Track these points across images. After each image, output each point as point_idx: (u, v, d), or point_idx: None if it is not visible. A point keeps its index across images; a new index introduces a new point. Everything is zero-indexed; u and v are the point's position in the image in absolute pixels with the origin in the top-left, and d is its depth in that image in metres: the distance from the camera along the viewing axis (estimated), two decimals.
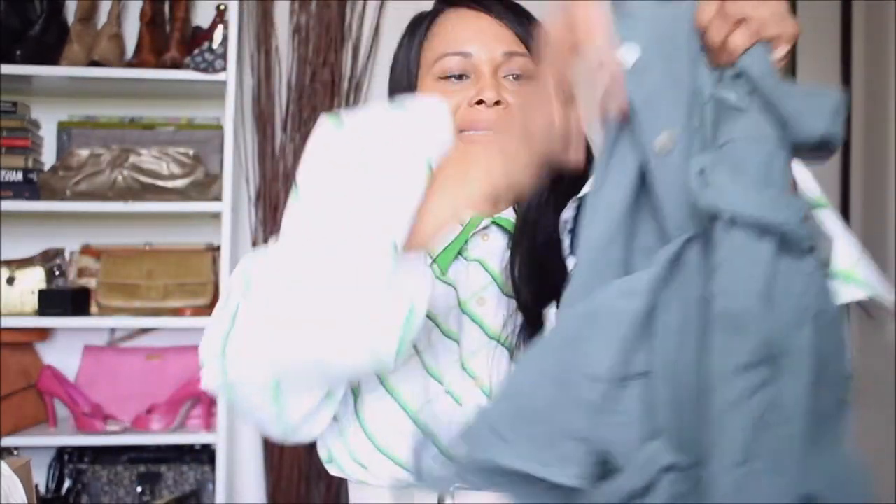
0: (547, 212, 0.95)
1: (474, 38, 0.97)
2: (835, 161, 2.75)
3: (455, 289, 0.98)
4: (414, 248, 0.76)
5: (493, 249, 0.99)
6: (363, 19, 2.54)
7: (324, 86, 2.47)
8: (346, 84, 2.51)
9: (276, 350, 0.75)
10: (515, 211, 1.00)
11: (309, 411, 0.83)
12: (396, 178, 0.75)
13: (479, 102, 0.95)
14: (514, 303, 0.97)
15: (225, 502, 2.26)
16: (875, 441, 2.62)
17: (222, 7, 2.33)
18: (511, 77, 0.98)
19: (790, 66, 2.73)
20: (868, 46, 2.74)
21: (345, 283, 0.73)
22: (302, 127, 2.47)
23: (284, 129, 2.48)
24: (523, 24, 0.99)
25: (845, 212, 2.73)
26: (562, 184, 0.87)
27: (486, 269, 0.99)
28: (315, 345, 0.74)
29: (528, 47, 0.97)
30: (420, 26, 1.03)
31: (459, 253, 0.99)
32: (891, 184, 2.61)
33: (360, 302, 0.73)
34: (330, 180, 0.77)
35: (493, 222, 1.00)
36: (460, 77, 0.98)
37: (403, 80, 1.02)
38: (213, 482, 2.29)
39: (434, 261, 0.98)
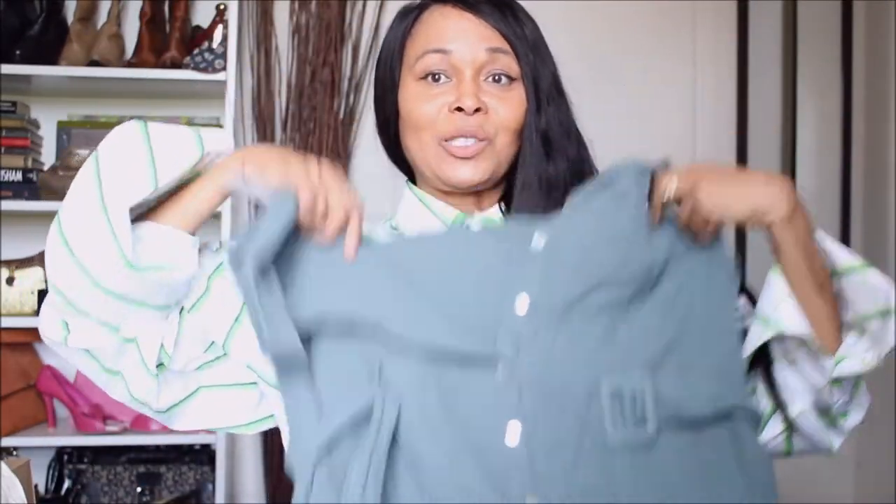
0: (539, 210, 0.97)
1: (456, 35, 0.96)
2: (835, 161, 2.74)
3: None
4: (176, 220, 0.85)
5: None
6: (363, 19, 2.54)
7: (324, 85, 2.47)
8: (345, 84, 2.51)
9: (54, 239, 0.83)
10: (501, 210, 1.01)
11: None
12: (172, 150, 0.85)
13: (459, 109, 0.95)
14: None
15: (225, 502, 2.26)
16: (875, 441, 2.61)
17: (222, 7, 2.33)
18: (492, 79, 0.97)
19: (791, 71, 2.73)
20: (868, 46, 2.73)
21: (106, 186, 0.82)
22: (302, 127, 2.47)
23: (284, 128, 2.48)
24: (509, 22, 0.97)
25: (846, 212, 2.73)
26: (553, 184, 0.96)
27: None
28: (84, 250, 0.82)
29: (513, 46, 0.97)
30: (404, 21, 1.02)
31: None
32: (891, 184, 2.61)
33: (115, 200, 0.82)
34: (139, 131, 0.85)
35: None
36: (439, 78, 0.97)
37: (387, 79, 1.02)
38: (213, 482, 2.28)
39: None
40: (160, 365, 0.90)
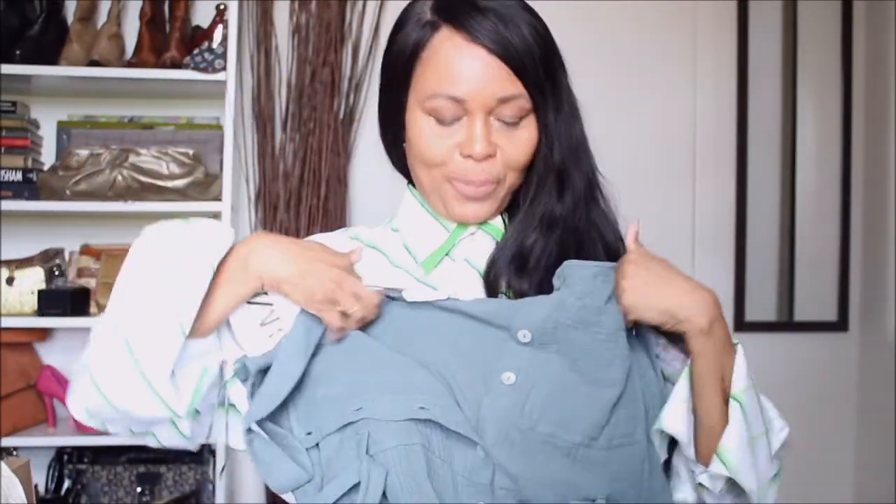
0: (536, 216, 0.98)
1: (468, 79, 0.93)
2: (835, 161, 2.75)
3: (437, 289, 0.99)
4: (200, 332, 0.90)
5: (481, 249, 1.00)
6: (363, 19, 2.54)
7: (323, 85, 2.47)
8: (345, 84, 2.51)
9: (90, 394, 0.92)
10: (503, 219, 1.01)
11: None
12: (189, 277, 0.89)
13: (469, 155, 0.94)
14: (502, 297, 0.98)
15: (225, 502, 2.26)
16: (875, 440, 2.61)
17: (222, 6, 2.33)
18: (505, 121, 0.95)
19: (791, 71, 2.73)
20: (868, 46, 2.73)
21: (142, 358, 0.87)
22: (302, 127, 2.47)
23: (284, 128, 2.48)
24: (521, 51, 0.93)
25: (846, 212, 2.73)
26: (553, 189, 0.97)
27: (472, 266, 1.00)
28: (120, 392, 0.90)
29: (526, 84, 0.94)
30: (412, 37, 0.97)
31: (447, 254, 1.01)
32: (891, 184, 2.61)
33: (155, 371, 0.88)
34: (145, 271, 0.90)
35: (480, 227, 1.01)
36: (452, 119, 0.95)
37: (393, 101, 1.00)
38: (213, 482, 2.28)
39: (419, 265, 1.00)
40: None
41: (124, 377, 0.87)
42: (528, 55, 0.94)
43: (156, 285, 0.88)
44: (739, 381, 0.89)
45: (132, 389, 0.88)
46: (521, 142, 0.96)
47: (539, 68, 0.94)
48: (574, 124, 0.99)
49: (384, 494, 0.85)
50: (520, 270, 0.96)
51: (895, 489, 2.49)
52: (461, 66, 0.93)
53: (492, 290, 0.97)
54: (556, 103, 0.97)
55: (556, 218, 0.97)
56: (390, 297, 0.93)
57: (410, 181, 1.06)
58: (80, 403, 0.95)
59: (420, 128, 0.96)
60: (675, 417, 0.89)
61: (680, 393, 0.90)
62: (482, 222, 1.01)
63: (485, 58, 0.93)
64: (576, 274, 0.90)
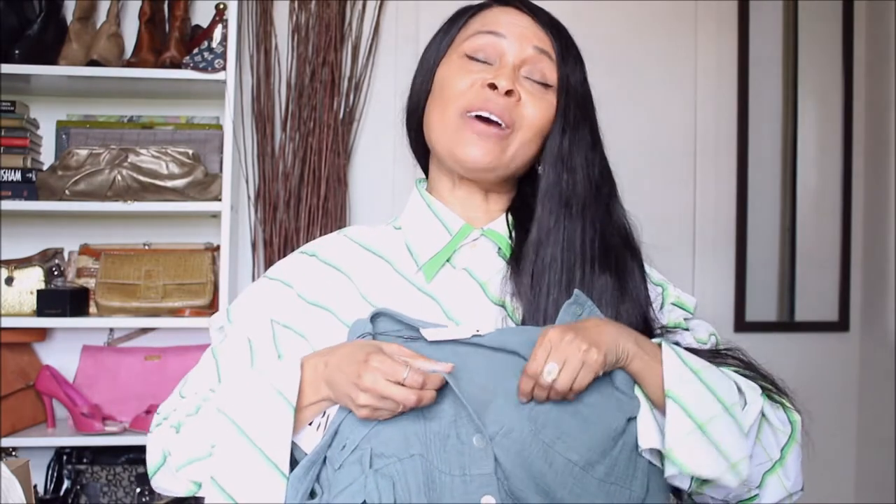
0: (556, 232, 0.98)
1: (510, 25, 1.00)
2: (835, 161, 2.74)
3: (436, 300, 0.99)
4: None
5: (481, 258, 1.01)
6: (363, 18, 2.53)
7: (323, 85, 2.47)
8: (345, 83, 2.51)
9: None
10: (508, 224, 1.02)
11: None
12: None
13: (493, 86, 0.96)
14: (501, 310, 0.97)
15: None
16: (876, 441, 2.61)
17: (221, 6, 2.33)
18: (531, 80, 0.99)
19: (792, 71, 2.73)
20: (869, 46, 2.73)
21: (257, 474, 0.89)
22: (302, 126, 2.46)
23: (284, 128, 2.48)
24: (561, 37, 1.01)
25: (846, 212, 2.73)
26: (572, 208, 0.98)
27: (472, 276, 1.00)
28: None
29: (558, 55, 0.99)
30: (463, 15, 1.05)
31: (447, 260, 1.01)
32: (891, 184, 2.60)
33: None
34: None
35: (483, 234, 1.02)
36: (482, 61, 0.99)
37: (430, 58, 1.05)
38: None
39: (420, 269, 1.00)
40: None
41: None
42: (567, 48, 1.01)
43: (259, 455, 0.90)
44: (668, 379, 0.89)
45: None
46: (541, 107, 0.98)
47: (572, 57, 1.00)
48: (596, 158, 1.01)
49: None
50: (530, 293, 0.96)
51: (895, 489, 2.49)
52: (506, 17, 1.01)
53: (497, 303, 0.97)
54: (577, 96, 1.00)
55: (570, 255, 0.97)
56: (411, 338, 0.93)
57: (425, 168, 1.07)
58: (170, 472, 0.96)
59: (451, 67, 1.00)
60: (646, 432, 0.88)
61: (644, 409, 0.90)
62: (487, 221, 1.01)
63: (529, 19, 1.00)
64: (586, 305, 0.94)
